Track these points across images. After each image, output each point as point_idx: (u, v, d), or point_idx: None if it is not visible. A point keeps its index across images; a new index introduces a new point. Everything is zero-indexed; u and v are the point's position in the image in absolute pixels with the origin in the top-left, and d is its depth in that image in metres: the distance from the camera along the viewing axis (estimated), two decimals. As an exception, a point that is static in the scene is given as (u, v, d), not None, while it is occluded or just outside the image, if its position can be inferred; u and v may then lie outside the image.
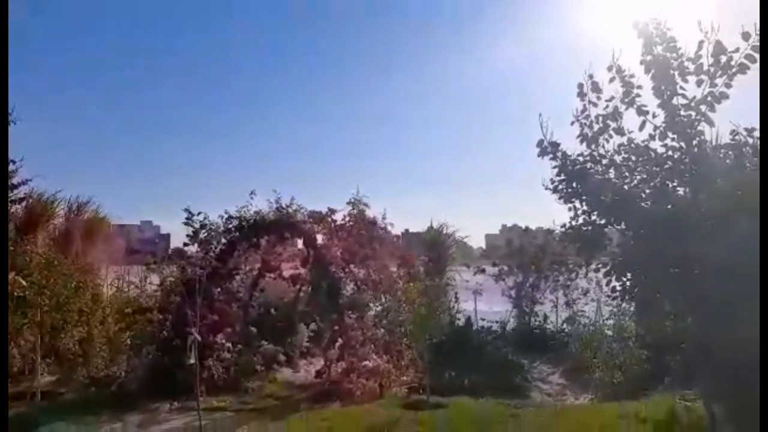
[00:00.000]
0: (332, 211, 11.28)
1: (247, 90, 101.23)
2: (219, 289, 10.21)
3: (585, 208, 7.50)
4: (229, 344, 10.15)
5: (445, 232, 17.76)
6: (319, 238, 10.98)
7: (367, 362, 9.60)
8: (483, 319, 15.03)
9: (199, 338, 6.44)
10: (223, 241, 10.54)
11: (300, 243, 11.53)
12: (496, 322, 15.12)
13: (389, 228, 12.08)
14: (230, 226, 10.75)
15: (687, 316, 7.74)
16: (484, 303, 17.15)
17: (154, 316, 9.96)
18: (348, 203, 11.45)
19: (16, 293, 7.47)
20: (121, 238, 18.22)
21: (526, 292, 16.28)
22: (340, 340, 10.12)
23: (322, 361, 10.99)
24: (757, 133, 6.60)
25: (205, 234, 10.50)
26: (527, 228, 17.73)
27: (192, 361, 6.23)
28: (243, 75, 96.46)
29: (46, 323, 8.67)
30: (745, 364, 6.87)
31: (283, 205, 10.94)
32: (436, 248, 17.08)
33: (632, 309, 8.25)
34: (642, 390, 9.18)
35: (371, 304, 11.01)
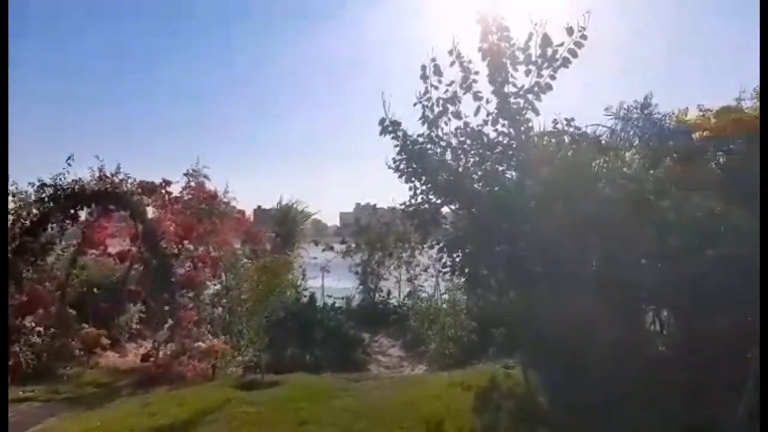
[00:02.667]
0: (167, 183, 10.42)
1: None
2: (29, 267, 8.99)
3: (423, 187, 7.78)
4: (40, 328, 9.03)
5: (295, 208, 17.52)
6: (150, 212, 10.08)
7: (200, 343, 9.11)
8: (329, 296, 15.14)
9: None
10: (35, 212, 9.26)
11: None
12: (343, 298, 15.32)
13: (233, 203, 11.54)
14: (43, 195, 9.50)
15: (511, 291, 8.39)
16: (333, 280, 17.29)
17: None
18: (185, 175, 10.69)
19: None
20: None
21: (372, 268, 16.65)
22: (170, 320, 9.48)
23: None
24: (575, 123, 7.26)
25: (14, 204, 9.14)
26: (375, 206, 18.09)
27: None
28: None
29: None
30: (558, 336, 7.64)
31: (108, 174, 9.92)
32: (285, 225, 16.80)
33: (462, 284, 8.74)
34: (471, 360, 9.81)
35: (209, 283, 10.46)
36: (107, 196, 9.75)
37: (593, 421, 5.94)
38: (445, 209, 8.07)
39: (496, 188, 7.41)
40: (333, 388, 8.14)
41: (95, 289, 11.22)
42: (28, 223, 9.15)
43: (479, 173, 7.49)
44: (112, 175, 9.76)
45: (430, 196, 7.82)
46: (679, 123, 7.83)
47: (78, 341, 9.75)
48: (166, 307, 9.59)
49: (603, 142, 7.82)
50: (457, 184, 7.54)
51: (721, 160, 7.42)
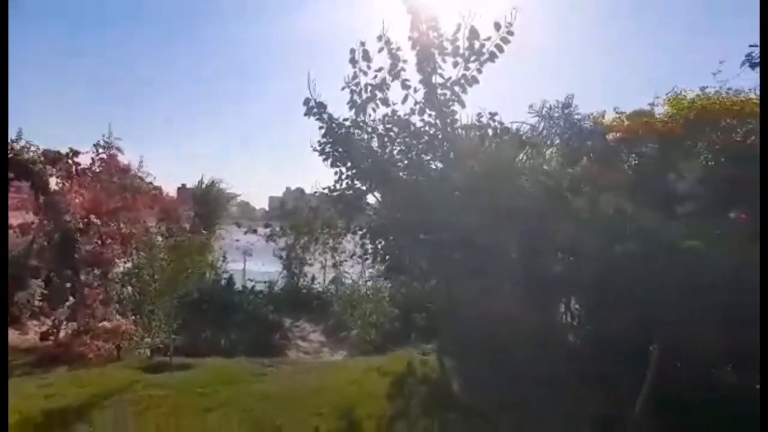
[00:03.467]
0: (74, 153, 9.71)
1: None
2: None
3: (349, 173, 7.71)
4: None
5: (218, 188, 16.98)
6: (54, 183, 9.37)
7: (105, 323, 8.64)
8: (251, 280, 14.82)
9: None
10: None
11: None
12: (265, 282, 15.04)
13: (149, 179, 10.96)
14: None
15: (432, 278, 8.49)
16: (256, 264, 16.95)
17: None
18: (96, 145, 10.01)
19: None
20: None
21: (296, 253, 16.43)
22: (72, 298, 8.92)
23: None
24: (498, 117, 7.38)
25: None
26: (302, 190, 17.84)
27: None
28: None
29: None
30: (474, 324, 7.82)
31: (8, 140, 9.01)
32: (207, 204, 16.25)
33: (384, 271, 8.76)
34: (391, 346, 9.88)
35: (119, 261, 9.92)
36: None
37: (502, 406, 6.12)
38: (369, 196, 8.06)
39: (421, 177, 7.46)
40: (247, 373, 7.97)
41: (-8, 262, 10.40)
42: None
43: (405, 162, 7.50)
44: (12, 142, 8.99)
45: (355, 182, 7.77)
46: (596, 124, 8.13)
47: (-31, 318, 8.99)
48: (68, 284, 9.01)
49: (525, 138, 8.00)
50: (382, 171, 7.51)
51: (633, 162, 7.78)
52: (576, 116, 8.39)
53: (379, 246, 7.84)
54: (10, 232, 10.33)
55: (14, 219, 9.89)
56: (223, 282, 13.04)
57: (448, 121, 7.45)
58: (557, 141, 8.55)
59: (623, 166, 7.82)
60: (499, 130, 7.31)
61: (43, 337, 9.20)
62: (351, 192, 7.77)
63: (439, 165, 7.67)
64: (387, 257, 7.87)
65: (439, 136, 7.46)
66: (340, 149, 7.54)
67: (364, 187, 7.82)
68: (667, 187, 7.05)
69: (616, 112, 7.96)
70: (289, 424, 5.68)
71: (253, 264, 16.88)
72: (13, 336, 9.98)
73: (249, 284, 14.20)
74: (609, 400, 6.00)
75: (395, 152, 7.50)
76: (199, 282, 10.90)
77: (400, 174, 7.53)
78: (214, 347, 9.71)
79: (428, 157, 7.60)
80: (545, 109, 8.50)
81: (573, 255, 7.17)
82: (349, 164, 7.67)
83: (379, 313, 11.41)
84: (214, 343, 10.01)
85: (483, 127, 7.40)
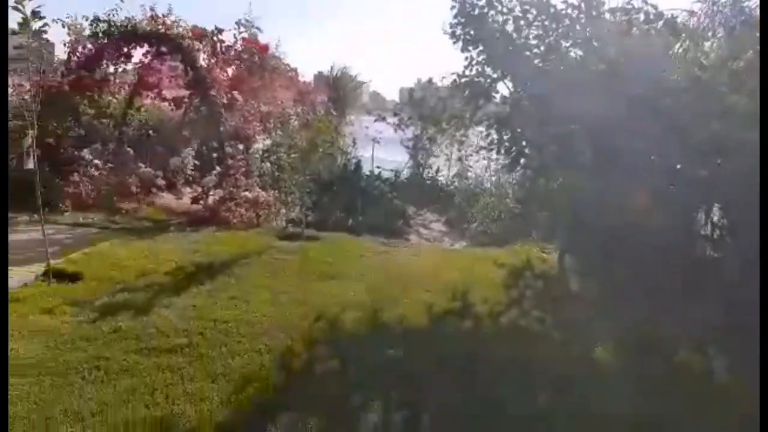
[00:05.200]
0: (219, 30, 10.19)
1: None
2: (85, 101, 9.28)
3: (479, 58, 7.39)
4: (98, 162, 9.52)
5: (349, 74, 17.16)
6: (201, 59, 10.02)
7: (247, 193, 9.46)
8: (378, 167, 15.20)
9: (46, 140, 5.88)
10: (89, 47, 9.36)
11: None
12: (391, 170, 15.37)
13: (285, 60, 11.33)
14: (97, 30, 9.50)
15: (558, 175, 8.15)
16: (383, 152, 17.25)
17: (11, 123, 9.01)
18: (237, 24, 10.41)
19: None
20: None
21: (423, 144, 16.46)
22: (218, 168, 9.79)
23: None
24: (651, 1, 6.54)
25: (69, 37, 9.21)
26: (431, 80, 17.39)
27: (30, 165, 5.76)
28: None
29: None
30: (600, 225, 7.47)
31: (159, 15, 9.73)
32: (338, 90, 16.55)
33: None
34: (511, 241, 9.83)
35: (259, 137, 10.62)
36: (159, 38, 9.70)
37: (620, 309, 5.95)
38: (500, 84, 7.72)
39: (557, 65, 6.96)
40: (369, 249, 8.41)
41: (152, 132, 11.63)
42: (83, 57, 9.30)
43: (541, 48, 7.01)
44: (164, 17, 9.62)
45: (486, 68, 7.45)
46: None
47: (136, 180, 10.29)
48: (215, 155, 9.87)
49: (681, 26, 7.03)
50: (515, 57, 7.09)
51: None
52: (746, 3, 7.16)
53: (505, 137, 7.59)
54: (165, 105, 11.41)
55: (168, 92, 10.84)
56: (351, 167, 13.51)
57: (593, 3, 6.77)
58: (720, 32, 7.43)
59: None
60: (652, 16, 6.51)
61: (194, 201, 10.31)
62: (480, 79, 7.48)
63: (579, 53, 7.07)
64: (513, 149, 7.63)
65: (582, 21, 6.82)
66: (472, 32, 7.19)
67: (494, 74, 7.49)
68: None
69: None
70: (404, 297, 5.99)
71: (380, 152, 17.16)
72: (170, 199, 11.29)
73: (376, 171, 14.60)
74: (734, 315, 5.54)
75: (531, 37, 7.01)
76: (330, 165, 11.41)
77: (535, 61, 7.08)
78: (341, 225, 10.26)
79: (567, 44, 7.02)
80: (710, -7, 7.35)
81: (723, 159, 6.45)
82: (480, 48, 7.32)
83: (500, 207, 11.30)
84: (342, 222, 10.57)
85: (632, 11, 6.63)
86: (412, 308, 5.65)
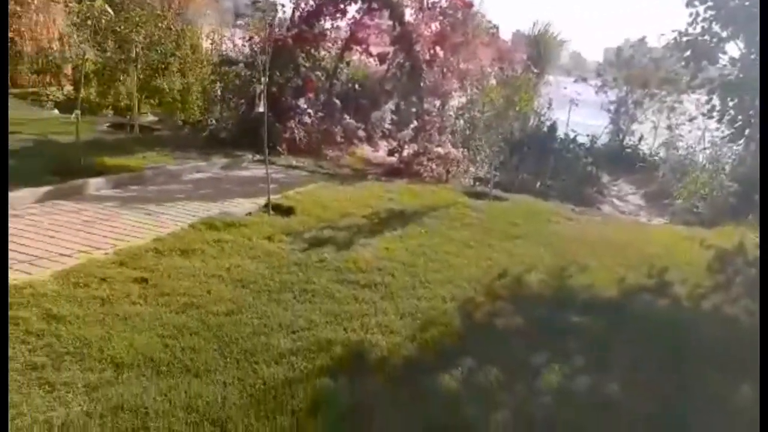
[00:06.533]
0: (426, -15, 10.36)
1: None
2: (303, 54, 10.18)
3: (706, 14, 6.63)
4: (311, 111, 10.48)
5: (550, 33, 16.32)
6: (408, 14, 10.29)
7: (439, 148, 9.72)
8: (573, 131, 14.45)
9: (273, 89, 6.63)
10: (311, 3, 10.18)
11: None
12: (588, 135, 14.51)
13: (487, 16, 11.17)
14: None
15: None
16: (581, 115, 16.30)
17: (240, 69, 10.30)
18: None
19: (103, 20, 7.80)
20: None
21: (627, 108, 15.22)
22: (415, 122, 10.16)
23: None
24: None
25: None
26: (643, 40, 15.78)
27: (261, 109, 6.54)
28: None
29: (142, 60, 9.20)
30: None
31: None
32: (538, 48, 15.87)
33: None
34: (720, 223, 8.85)
35: (455, 94, 10.76)
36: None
37: None
38: (728, 45, 6.83)
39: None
40: (557, 214, 8.21)
41: (357, 86, 12.42)
42: (305, 13, 10.17)
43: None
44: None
45: (713, 26, 6.66)
46: None
47: (340, 130, 11.16)
48: (414, 110, 10.25)
49: None
50: (750, 14, 6.19)
51: None
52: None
53: (730, 104, 6.75)
54: (371, 60, 12.03)
55: (374, 48, 11.41)
56: (545, 128, 13.03)
57: None
58: None
59: None
60: None
61: (390, 153, 10.90)
62: (706, 37, 6.71)
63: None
64: (738, 119, 6.77)
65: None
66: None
67: (723, 33, 6.66)
68: None
69: None
70: (594, 267, 5.78)
71: (577, 115, 16.21)
72: (367, 150, 12.06)
73: (571, 134, 13.91)
74: None
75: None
76: (523, 125, 11.17)
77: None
78: (527, 188, 10.09)
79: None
80: None
81: None
82: (709, 3, 6.54)
83: (713, 184, 10.11)
84: (528, 184, 10.37)
85: None
86: (602, 279, 5.44)
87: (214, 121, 10.80)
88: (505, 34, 12.46)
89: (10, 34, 11.46)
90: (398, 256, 5.43)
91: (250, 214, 6.27)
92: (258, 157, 9.28)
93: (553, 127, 12.60)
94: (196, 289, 4.16)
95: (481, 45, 10.87)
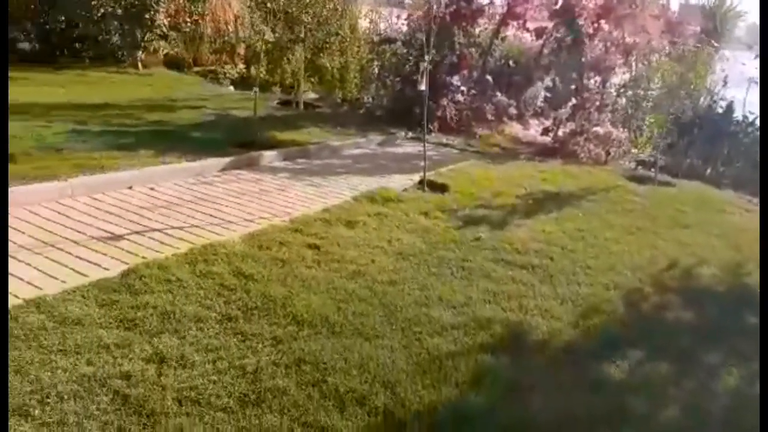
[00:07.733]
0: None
1: None
2: (460, 31, 10.11)
3: None
4: (464, 88, 10.44)
5: (728, 4, 14.61)
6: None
7: (598, 128, 9.23)
8: (752, 112, 12.88)
9: (430, 67, 6.71)
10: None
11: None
12: (770, 117, 12.86)
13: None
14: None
15: None
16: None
17: (398, 48, 10.50)
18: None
19: (281, 1, 8.42)
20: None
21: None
22: (573, 100, 9.71)
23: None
24: None
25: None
26: None
27: (422, 87, 6.66)
28: None
29: (309, 40, 9.76)
30: None
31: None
32: (713, 21, 14.30)
33: None
34: None
35: (618, 70, 10.09)
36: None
37: None
38: None
39: None
40: (730, 204, 7.53)
41: (510, 63, 12.10)
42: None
43: None
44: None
45: None
46: None
47: (491, 107, 10.99)
48: (572, 86, 9.79)
49: None
50: None
51: None
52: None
53: None
54: (526, 36, 11.64)
55: (531, 23, 11.02)
56: (719, 109, 11.77)
57: None
58: None
59: None
60: None
61: (544, 132, 10.54)
62: None
63: None
64: None
65: None
66: None
67: None
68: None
69: None
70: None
71: (756, 95, 14.43)
72: (517, 129, 11.78)
73: (750, 116, 12.42)
74: None
75: None
76: (694, 104, 10.22)
77: None
78: (696, 173, 9.30)
79: None
80: None
81: None
82: None
83: None
84: (697, 170, 9.55)
85: None
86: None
87: (370, 99, 11.17)
88: (673, 5, 11.37)
89: (195, 17, 12.80)
90: (555, 239, 5.32)
91: (406, 189, 6.47)
92: (411, 134, 9.50)
93: (729, 108, 11.33)
94: (361, 258, 4.43)
95: (650, 17, 10.03)
